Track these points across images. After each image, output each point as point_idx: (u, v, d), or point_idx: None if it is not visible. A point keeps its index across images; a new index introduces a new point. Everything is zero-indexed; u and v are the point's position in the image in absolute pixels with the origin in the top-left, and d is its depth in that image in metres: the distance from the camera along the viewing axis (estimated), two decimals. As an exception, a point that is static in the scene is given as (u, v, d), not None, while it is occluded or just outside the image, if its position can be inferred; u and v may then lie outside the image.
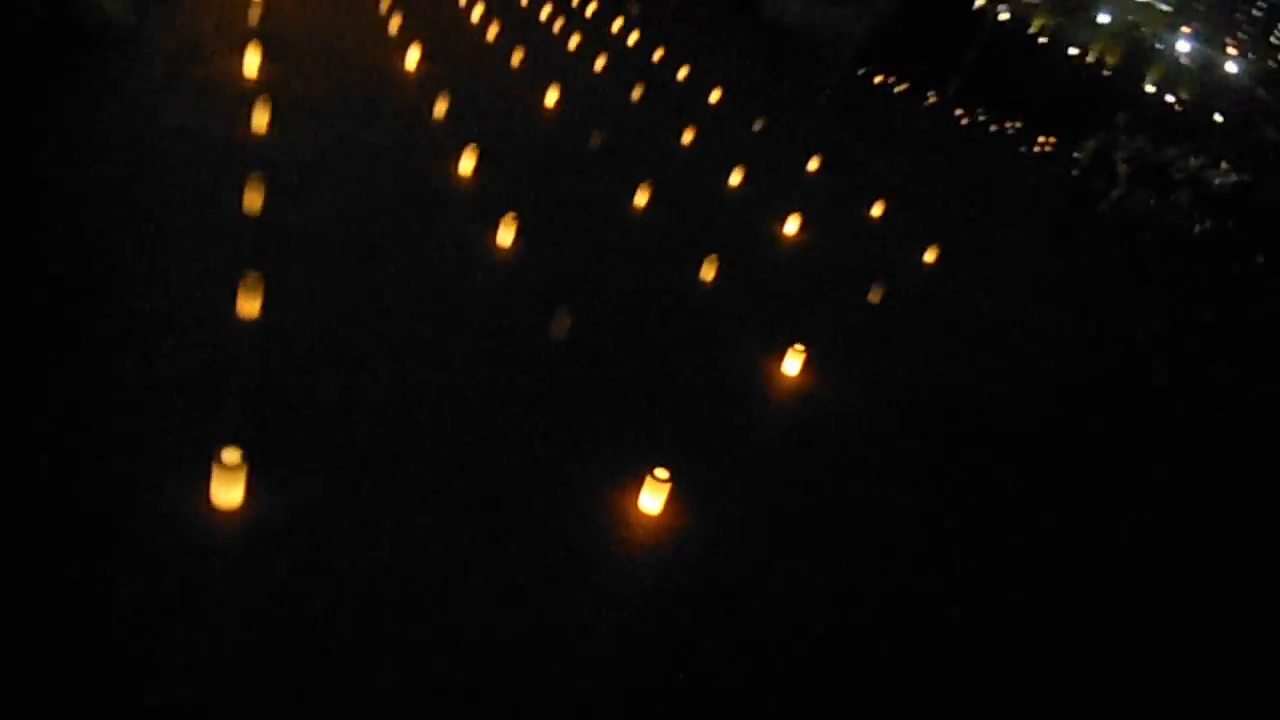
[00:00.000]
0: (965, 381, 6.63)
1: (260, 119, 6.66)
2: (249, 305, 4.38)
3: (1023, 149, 25.98)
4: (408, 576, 3.20)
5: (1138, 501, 5.20)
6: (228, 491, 3.21)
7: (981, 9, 38.28)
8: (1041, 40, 51.82)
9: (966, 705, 3.29)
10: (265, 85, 7.38)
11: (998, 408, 6.29)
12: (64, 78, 6.31)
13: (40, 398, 3.35)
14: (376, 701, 2.69)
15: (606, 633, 3.26)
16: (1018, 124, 29.39)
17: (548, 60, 12.35)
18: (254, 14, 9.15)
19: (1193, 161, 18.06)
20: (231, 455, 3.17)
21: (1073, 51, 53.49)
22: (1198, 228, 16.74)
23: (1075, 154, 25.00)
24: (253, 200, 5.29)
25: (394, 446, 3.88)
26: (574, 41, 14.83)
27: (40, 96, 5.86)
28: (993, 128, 28.23)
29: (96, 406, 3.41)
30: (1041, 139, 28.33)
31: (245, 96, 6.93)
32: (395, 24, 11.09)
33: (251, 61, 7.79)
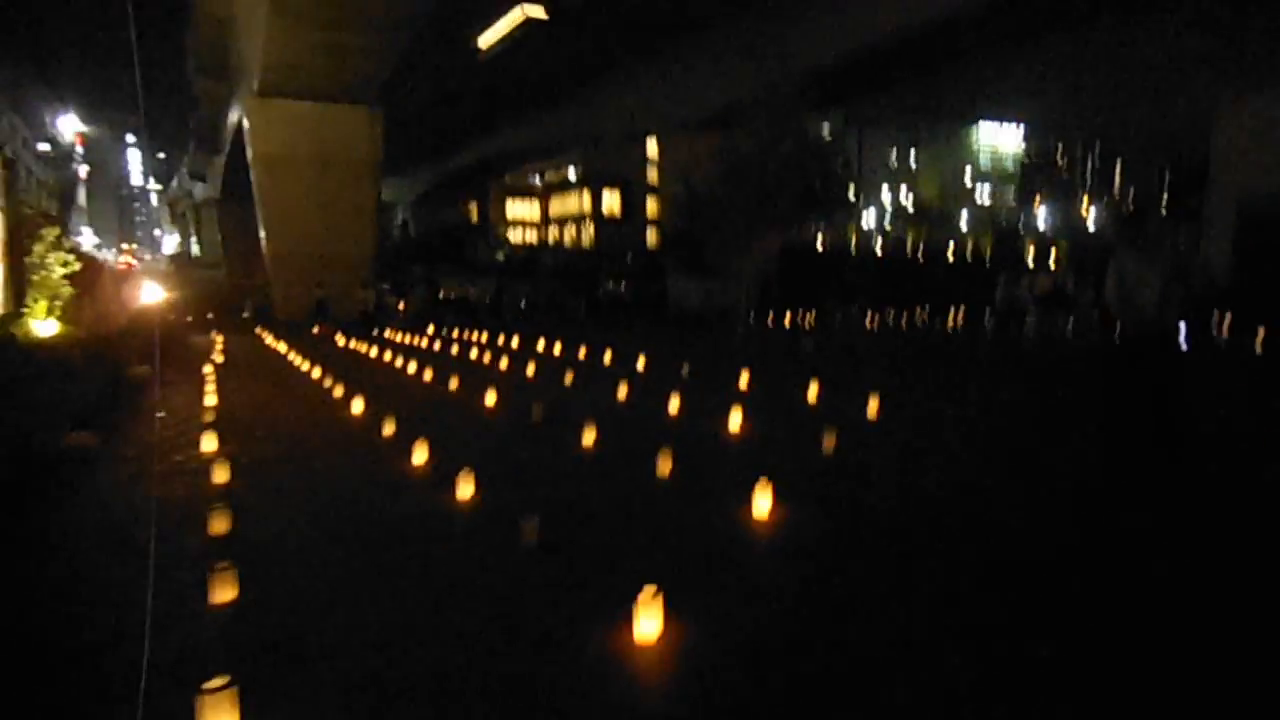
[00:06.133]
0: (921, 498, 6.83)
1: (221, 478, 7.25)
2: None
3: (936, 326, 27.92)
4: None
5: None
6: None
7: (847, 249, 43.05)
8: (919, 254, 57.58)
9: None
10: (225, 455, 8.00)
11: (951, 512, 6.46)
12: (31, 505, 6.83)
13: None
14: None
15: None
16: (925, 313, 31.93)
17: (483, 380, 13.48)
18: (208, 415, 10.17)
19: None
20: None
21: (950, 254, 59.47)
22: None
23: (986, 312, 27.03)
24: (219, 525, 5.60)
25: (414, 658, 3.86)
26: (504, 362, 16.39)
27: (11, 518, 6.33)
28: (902, 322, 30.51)
29: None
30: (952, 316, 30.63)
31: (206, 469, 7.55)
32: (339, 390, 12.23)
33: (210, 444, 8.56)
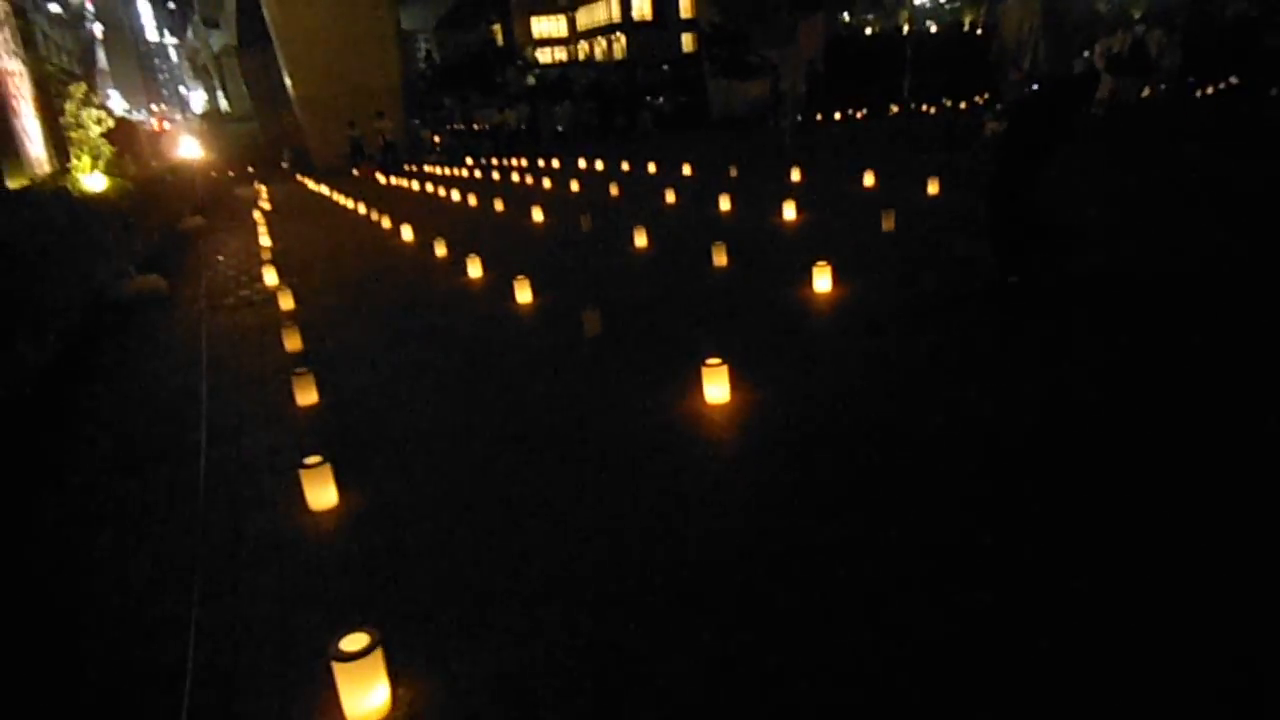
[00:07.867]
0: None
1: (286, 302, 7.44)
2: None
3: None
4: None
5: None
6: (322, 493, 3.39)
7: (904, 32, 39.77)
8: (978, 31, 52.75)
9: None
10: (289, 286, 8.16)
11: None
12: (113, 347, 7.11)
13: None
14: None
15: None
16: (986, 96, 29.80)
17: (527, 200, 13.30)
18: (264, 255, 10.32)
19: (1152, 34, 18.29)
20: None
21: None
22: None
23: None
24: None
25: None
26: (547, 182, 16.09)
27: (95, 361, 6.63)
28: (947, 102, 28.64)
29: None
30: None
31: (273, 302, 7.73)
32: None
33: (271, 278, 8.73)
